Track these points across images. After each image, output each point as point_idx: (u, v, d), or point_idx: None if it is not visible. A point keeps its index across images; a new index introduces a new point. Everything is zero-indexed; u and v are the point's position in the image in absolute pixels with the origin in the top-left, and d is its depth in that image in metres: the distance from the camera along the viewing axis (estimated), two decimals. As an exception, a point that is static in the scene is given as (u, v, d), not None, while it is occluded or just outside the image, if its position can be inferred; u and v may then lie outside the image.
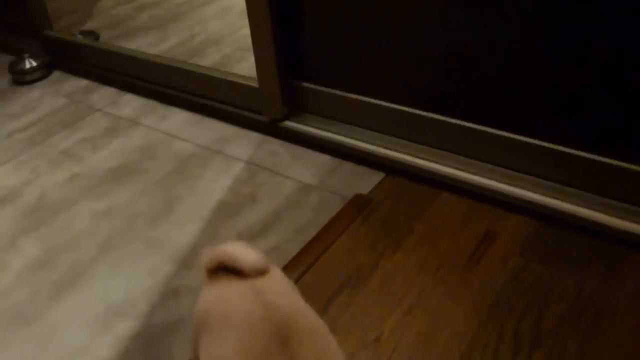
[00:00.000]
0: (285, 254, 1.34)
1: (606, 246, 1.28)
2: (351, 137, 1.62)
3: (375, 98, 1.55)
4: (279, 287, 0.80)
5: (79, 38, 2.42)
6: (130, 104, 2.10)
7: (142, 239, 1.46)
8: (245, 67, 2.15)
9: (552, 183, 1.37)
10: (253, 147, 1.77)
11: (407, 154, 1.53)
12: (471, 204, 1.43)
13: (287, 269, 1.30)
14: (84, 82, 2.29)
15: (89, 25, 2.75)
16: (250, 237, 1.41)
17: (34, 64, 2.35)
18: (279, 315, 0.73)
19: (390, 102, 1.53)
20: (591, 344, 1.08)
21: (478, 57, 1.35)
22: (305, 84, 1.67)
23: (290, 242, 1.39)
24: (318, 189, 1.56)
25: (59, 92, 2.25)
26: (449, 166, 1.47)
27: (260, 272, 0.79)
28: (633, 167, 1.25)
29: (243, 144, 1.79)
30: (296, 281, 1.26)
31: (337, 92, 1.62)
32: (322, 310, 1.19)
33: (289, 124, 1.73)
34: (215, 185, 1.62)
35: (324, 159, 1.67)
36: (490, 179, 1.42)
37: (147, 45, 2.49)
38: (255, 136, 1.82)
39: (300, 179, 1.60)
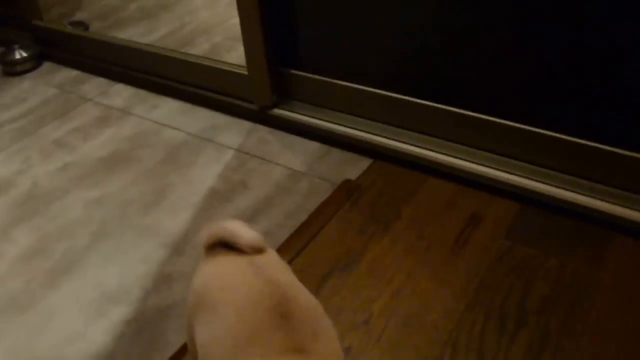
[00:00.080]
0: (276, 239, 1.37)
1: (589, 228, 1.31)
2: (339, 124, 1.64)
3: (363, 85, 1.57)
4: (276, 265, 0.82)
5: (69, 28, 2.42)
6: (121, 93, 2.11)
7: (134, 227, 1.47)
8: (235, 56, 2.16)
9: (536, 167, 1.39)
10: (243, 134, 1.79)
11: (394, 140, 1.55)
12: (457, 188, 1.46)
13: (278, 253, 1.31)
14: (74, 73, 2.29)
15: (78, 16, 2.75)
16: (241, 223, 1.43)
17: (24, 54, 2.35)
18: (280, 291, 0.74)
19: (377, 88, 1.55)
20: (573, 322, 1.11)
21: (464, 44, 1.36)
22: (294, 72, 1.69)
23: (280, 227, 1.41)
24: (307, 175, 1.58)
25: (50, 82, 2.25)
26: (435, 151, 1.49)
27: (258, 250, 0.80)
28: (616, 150, 1.27)
29: (233, 131, 1.81)
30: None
31: (326, 79, 1.63)
32: (313, 293, 1.19)
33: (278, 111, 1.74)
34: (206, 172, 1.64)
35: (313, 145, 1.69)
36: (476, 163, 1.44)
37: (137, 35, 2.49)
38: (245, 124, 1.84)
39: (289, 166, 1.62)
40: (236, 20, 1.67)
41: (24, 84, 2.26)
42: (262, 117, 1.80)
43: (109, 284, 1.32)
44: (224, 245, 0.82)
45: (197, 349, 0.78)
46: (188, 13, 2.71)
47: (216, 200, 1.53)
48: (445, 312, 1.15)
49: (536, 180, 1.37)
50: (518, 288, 1.19)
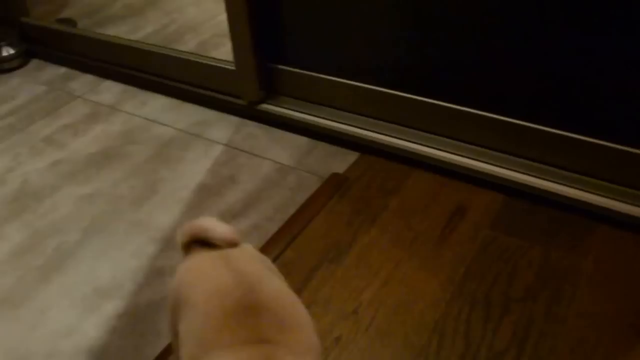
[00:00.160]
0: (265, 232, 1.39)
1: (570, 218, 1.34)
2: (327, 119, 1.66)
3: (349, 80, 1.59)
4: (248, 257, 0.82)
5: (57, 25, 2.41)
6: (110, 90, 2.12)
7: (125, 222, 1.49)
8: (223, 53, 2.16)
9: (520, 159, 1.42)
10: (232, 130, 1.80)
11: (381, 133, 1.57)
12: (443, 180, 1.49)
13: (268, 246, 1.34)
14: (62, 70, 2.30)
15: (65, 14, 2.74)
16: (231, 217, 1.45)
17: (12, 52, 2.34)
18: (247, 280, 0.74)
19: (363, 83, 1.57)
20: (557, 308, 1.14)
21: (446, 37, 1.38)
22: (282, 67, 1.70)
23: (270, 220, 1.43)
24: (295, 169, 1.60)
25: (38, 79, 2.25)
26: (422, 144, 1.52)
27: (231, 243, 0.81)
28: (596, 141, 1.30)
29: (222, 127, 1.82)
30: (277, 257, 1.30)
31: (313, 74, 1.65)
32: (303, 284, 1.23)
33: (266, 106, 1.76)
34: (196, 167, 1.65)
35: (301, 140, 1.71)
36: (461, 155, 1.47)
37: (124, 32, 2.49)
38: (233, 119, 1.85)
39: (278, 160, 1.64)
40: (224, 17, 1.68)
41: (12, 82, 2.26)
42: (250, 113, 1.81)
43: (101, 278, 1.33)
44: (200, 243, 0.83)
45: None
46: (175, 10, 2.71)
47: (206, 194, 1.55)
48: (432, 301, 1.18)
49: (520, 172, 1.40)
50: (503, 276, 1.22)
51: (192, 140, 1.78)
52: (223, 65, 1.82)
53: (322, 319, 1.16)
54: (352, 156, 1.61)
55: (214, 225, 0.83)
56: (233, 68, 1.77)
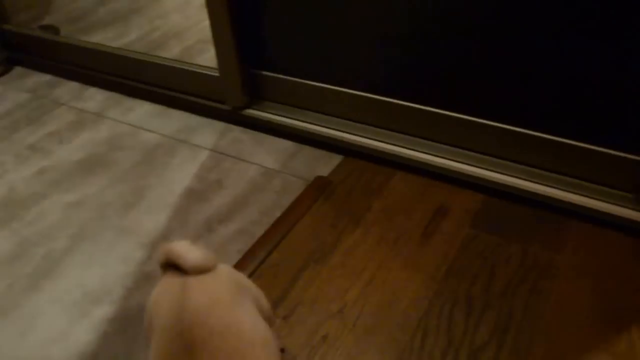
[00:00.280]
0: (252, 236, 1.41)
1: (547, 215, 1.38)
2: (310, 123, 1.68)
3: (331, 84, 1.61)
4: (213, 284, 0.79)
5: (40, 33, 2.41)
6: (95, 97, 2.12)
7: (113, 228, 1.50)
8: (207, 59, 2.18)
9: (499, 160, 1.45)
10: (217, 135, 1.82)
11: (364, 136, 1.60)
12: (424, 182, 1.52)
13: (254, 249, 1.36)
14: (46, 77, 2.29)
15: (47, 21, 2.73)
16: (218, 221, 1.47)
17: (-6, 60, 2.34)
18: (189, 317, 0.73)
19: (346, 87, 1.59)
20: (536, 302, 1.18)
21: (429, 42, 1.41)
22: (265, 73, 1.72)
23: (256, 224, 1.45)
24: (281, 173, 1.62)
25: (22, 87, 2.25)
26: (403, 147, 1.55)
27: (201, 270, 0.79)
28: (571, 142, 1.34)
29: (207, 132, 1.84)
30: (263, 260, 1.32)
31: (296, 79, 1.67)
32: (290, 285, 1.26)
33: (251, 111, 1.78)
34: (182, 173, 1.67)
35: (285, 144, 1.74)
36: (442, 157, 1.50)
37: (108, 39, 2.49)
38: (218, 125, 1.87)
39: (263, 164, 1.66)
40: (207, 23, 1.69)
41: (-4, 90, 2.26)
42: (235, 118, 1.83)
43: (90, 284, 1.34)
44: (174, 266, 0.81)
45: None
46: (159, 17, 2.72)
47: (193, 199, 1.56)
48: (415, 299, 1.21)
49: (498, 172, 1.43)
50: (483, 273, 1.25)
51: (178, 146, 1.79)
52: (207, 72, 1.84)
53: (309, 318, 1.18)
54: (336, 159, 1.64)
55: (185, 251, 0.80)
56: (217, 74, 1.79)
